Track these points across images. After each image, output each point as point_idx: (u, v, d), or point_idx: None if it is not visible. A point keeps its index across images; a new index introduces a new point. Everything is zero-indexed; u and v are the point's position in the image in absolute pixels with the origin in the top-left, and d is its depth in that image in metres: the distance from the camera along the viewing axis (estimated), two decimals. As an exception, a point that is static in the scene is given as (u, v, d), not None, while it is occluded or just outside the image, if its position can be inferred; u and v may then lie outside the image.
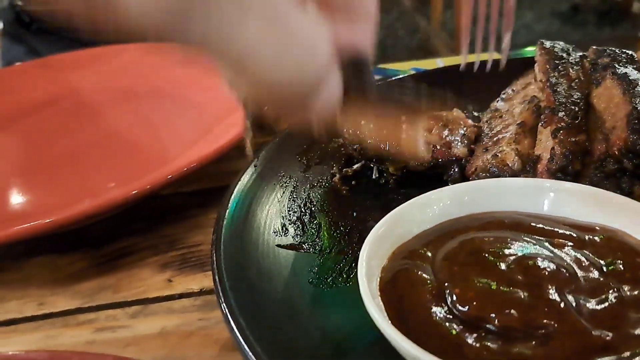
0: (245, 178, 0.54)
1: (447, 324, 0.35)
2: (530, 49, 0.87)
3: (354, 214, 0.52)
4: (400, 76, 0.77)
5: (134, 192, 0.53)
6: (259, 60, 0.29)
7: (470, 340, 0.34)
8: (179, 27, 0.26)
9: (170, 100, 0.82)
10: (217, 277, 0.41)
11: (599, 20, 4.48)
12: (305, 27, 0.30)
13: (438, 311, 0.36)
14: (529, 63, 0.62)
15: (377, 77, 0.81)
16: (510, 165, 0.50)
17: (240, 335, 0.36)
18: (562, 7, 4.83)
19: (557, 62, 0.53)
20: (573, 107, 0.49)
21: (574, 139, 0.48)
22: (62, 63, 0.94)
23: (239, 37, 0.28)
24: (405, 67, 0.82)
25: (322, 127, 0.37)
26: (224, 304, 0.38)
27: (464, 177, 0.53)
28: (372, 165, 0.58)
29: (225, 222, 0.47)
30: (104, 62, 0.93)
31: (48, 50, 1.26)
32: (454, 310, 0.36)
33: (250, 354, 0.34)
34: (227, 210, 0.49)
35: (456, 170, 0.54)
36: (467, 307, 0.36)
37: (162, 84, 0.85)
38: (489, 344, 0.34)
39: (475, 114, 0.65)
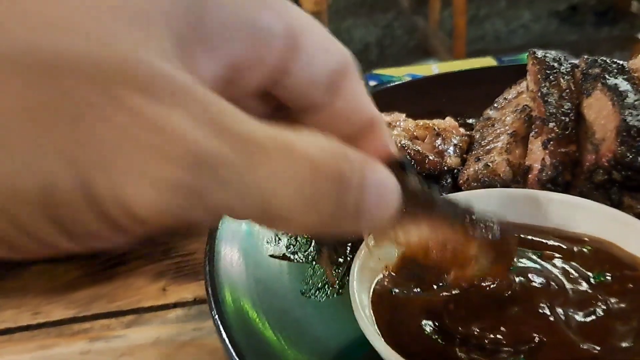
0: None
1: (437, 337, 0.36)
2: (524, 56, 0.87)
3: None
4: (395, 83, 0.77)
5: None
6: None
7: (460, 354, 0.35)
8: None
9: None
10: (209, 289, 0.41)
11: (597, 20, 4.49)
12: None
13: (429, 324, 0.37)
14: (522, 71, 0.63)
15: (372, 83, 0.81)
16: (501, 175, 0.50)
17: (232, 346, 0.36)
18: (560, 6, 4.83)
19: (548, 72, 0.54)
20: (563, 118, 0.50)
21: (564, 150, 0.48)
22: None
23: None
24: (400, 73, 0.82)
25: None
26: (216, 315, 0.39)
27: (456, 187, 0.54)
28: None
29: (218, 232, 0.47)
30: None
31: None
32: (444, 327, 0.36)
33: (242, 366, 0.35)
34: (220, 220, 0.49)
35: (449, 180, 0.54)
36: (457, 325, 0.36)
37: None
38: (478, 357, 0.34)
39: (469, 121, 0.65)
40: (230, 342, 0.36)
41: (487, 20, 4.82)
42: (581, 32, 4.32)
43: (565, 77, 0.53)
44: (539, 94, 0.52)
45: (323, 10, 3.26)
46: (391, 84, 0.76)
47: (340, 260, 0.48)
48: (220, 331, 0.37)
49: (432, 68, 0.84)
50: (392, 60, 4.32)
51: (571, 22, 4.53)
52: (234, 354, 0.35)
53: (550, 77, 0.53)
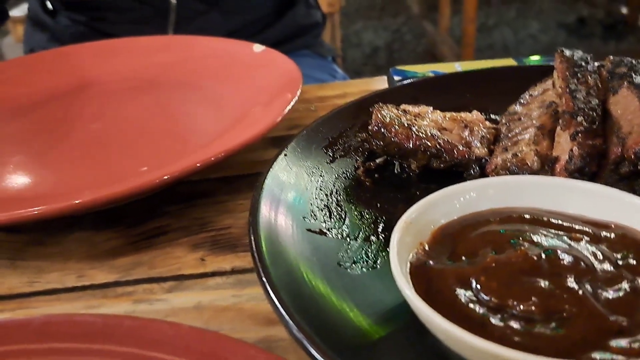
0: (276, 166, 0.56)
1: (472, 305, 0.38)
2: (534, 57, 0.90)
3: (378, 204, 0.55)
4: (421, 78, 0.80)
5: (165, 177, 0.56)
6: None
7: (494, 321, 0.37)
8: None
9: (197, 92, 0.85)
10: (256, 255, 0.44)
11: (604, 33, 4.52)
12: None
13: (463, 294, 0.39)
14: (543, 70, 0.66)
15: (396, 78, 0.84)
16: (529, 164, 0.53)
17: (282, 307, 0.38)
18: (569, 19, 4.87)
19: (576, 69, 0.56)
20: (591, 113, 0.52)
21: (591, 142, 0.51)
22: (88, 52, 0.96)
23: None
24: (424, 69, 0.85)
25: None
26: (265, 279, 0.41)
27: (483, 176, 0.56)
28: (394, 161, 0.61)
29: (260, 205, 0.50)
30: (128, 53, 0.96)
31: (70, 39, 1.29)
32: (479, 297, 0.39)
33: (292, 324, 0.37)
34: (261, 195, 0.51)
35: (476, 169, 0.57)
36: (490, 295, 0.39)
37: (188, 76, 0.88)
38: (512, 324, 0.37)
39: (493, 116, 0.68)
40: (281, 304, 0.39)
41: (495, 29, 4.85)
42: (589, 45, 4.35)
43: (592, 75, 0.56)
44: (568, 90, 0.55)
45: (336, 12, 3.28)
46: (417, 79, 0.78)
47: (373, 238, 0.50)
48: (270, 294, 0.40)
49: (455, 66, 0.86)
50: (400, 65, 4.34)
51: (579, 34, 4.56)
52: (285, 315, 0.38)
53: (578, 74, 0.56)
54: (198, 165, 0.57)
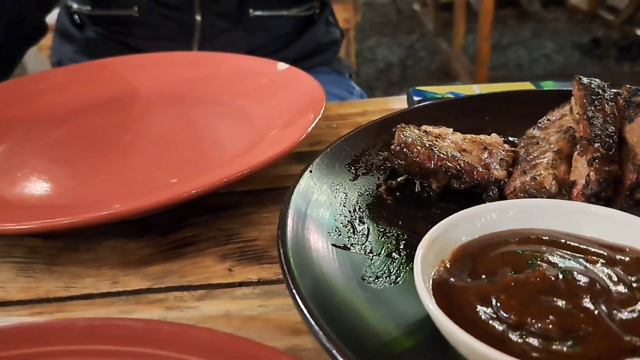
0: (302, 183, 0.59)
1: (492, 322, 0.40)
2: (549, 83, 0.92)
3: (399, 222, 0.57)
4: (441, 99, 0.82)
5: (194, 190, 0.58)
6: None
7: (513, 337, 0.39)
8: None
9: (223, 107, 0.88)
10: (285, 267, 0.46)
11: (619, 54, 4.53)
12: None
13: (484, 311, 0.41)
14: (561, 95, 0.68)
15: (416, 98, 0.86)
16: (547, 188, 0.55)
17: (311, 317, 0.40)
18: (583, 39, 4.88)
19: (593, 97, 0.58)
20: (607, 140, 0.54)
21: (607, 168, 0.53)
22: (120, 65, 1.00)
23: None
24: (443, 91, 0.87)
25: None
26: (295, 290, 0.43)
27: (501, 197, 0.58)
28: (415, 180, 0.63)
29: (287, 220, 0.52)
30: (158, 68, 0.99)
31: (97, 52, 1.33)
32: (499, 314, 0.41)
33: (322, 333, 0.39)
34: (288, 210, 0.54)
35: (495, 191, 0.59)
36: (510, 312, 0.41)
37: (214, 92, 0.91)
38: (530, 341, 0.39)
39: (511, 139, 0.70)
40: (310, 314, 0.41)
41: (510, 48, 4.87)
42: (603, 66, 4.36)
43: (609, 103, 0.58)
44: (585, 117, 0.57)
45: (351, 28, 3.32)
46: (438, 100, 0.81)
47: (396, 255, 0.52)
48: (299, 304, 0.42)
49: (473, 88, 0.89)
50: (413, 81, 4.38)
51: (593, 55, 4.58)
52: (314, 324, 0.40)
53: (596, 102, 0.58)
54: (225, 180, 0.59)
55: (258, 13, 1.31)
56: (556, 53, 4.59)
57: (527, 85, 0.90)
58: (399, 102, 0.95)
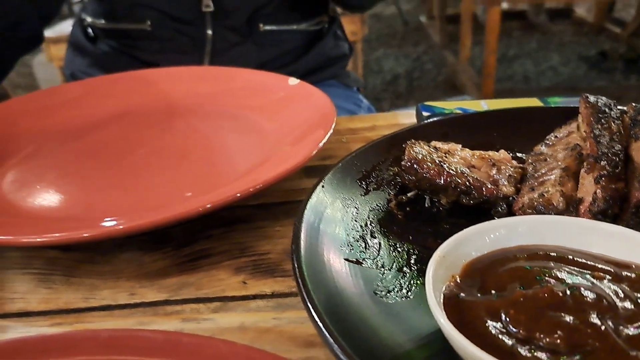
0: (315, 197, 0.60)
1: (502, 336, 0.41)
2: (556, 99, 0.93)
3: (410, 237, 0.59)
4: (450, 115, 0.84)
5: (208, 205, 0.60)
6: None
7: (522, 352, 0.40)
8: None
9: (235, 122, 0.89)
10: (299, 280, 0.47)
11: (625, 67, 4.54)
12: None
13: (493, 325, 0.42)
14: (569, 112, 0.69)
15: (425, 113, 0.88)
16: (555, 204, 0.56)
17: (326, 330, 0.42)
18: (590, 52, 4.90)
19: (600, 115, 0.60)
20: (614, 157, 0.56)
21: (614, 186, 0.54)
22: (132, 80, 1.02)
23: None
24: (451, 107, 0.89)
25: None
26: (309, 303, 0.44)
27: (510, 213, 0.60)
28: (425, 196, 0.64)
29: (301, 234, 0.54)
30: (170, 82, 1.01)
31: (109, 65, 1.36)
32: (508, 328, 0.42)
33: (336, 346, 0.40)
34: (301, 224, 0.55)
35: (504, 207, 0.60)
36: (519, 327, 0.42)
37: (226, 107, 0.93)
38: (539, 355, 0.40)
39: (519, 154, 0.71)
40: (324, 326, 0.42)
41: (516, 60, 4.89)
42: (610, 79, 4.37)
43: (616, 121, 0.59)
44: (592, 135, 0.58)
45: (358, 40, 3.35)
46: (447, 116, 0.82)
47: (407, 269, 0.54)
48: (314, 317, 0.43)
49: (481, 104, 0.90)
50: (420, 93, 4.40)
51: (600, 68, 4.59)
52: (328, 337, 0.41)
53: (602, 120, 0.59)
54: (238, 195, 0.61)
55: (268, 28, 1.33)
56: (563, 65, 4.61)
57: (534, 101, 0.91)
58: (407, 117, 0.96)
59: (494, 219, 0.53)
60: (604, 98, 0.63)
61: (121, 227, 0.58)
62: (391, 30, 5.97)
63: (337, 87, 1.50)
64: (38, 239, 0.57)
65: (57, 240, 0.57)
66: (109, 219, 0.62)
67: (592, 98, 0.63)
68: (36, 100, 0.95)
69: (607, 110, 0.61)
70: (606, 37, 5.12)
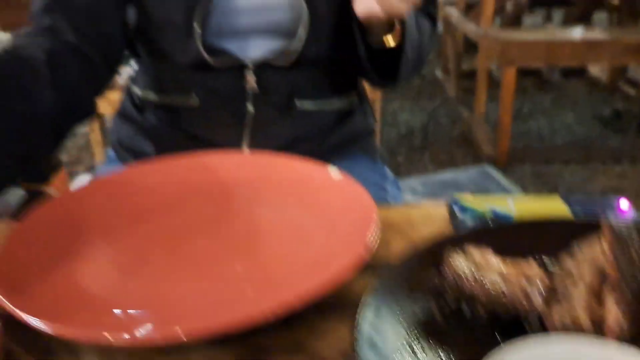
0: (367, 310, 0.68)
1: None
2: (577, 197, 1.01)
3: (453, 343, 0.66)
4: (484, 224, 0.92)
5: (269, 313, 0.65)
6: None
7: None
8: None
9: (277, 213, 0.96)
10: None
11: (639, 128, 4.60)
12: None
13: None
14: (595, 226, 0.77)
15: (458, 215, 0.96)
16: (582, 324, 0.63)
17: None
18: (605, 111, 4.99)
19: (621, 244, 0.67)
20: (634, 284, 0.63)
21: (635, 309, 0.62)
22: (186, 164, 1.10)
23: None
24: (483, 208, 0.97)
25: None
26: None
27: (542, 326, 0.67)
28: (464, 306, 0.72)
29: (359, 347, 0.61)
30: (210, 169, 1.08)
31: (154, 135, 1.46)
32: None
33: None
34: (359, 338, 0.63)
35: (535, 319, 0.68)
36: None
37: (266, 195, 1.00)
38: None
39: (546, 262, 0.79)
40: None
41: (530, 117, 5.00)
42: (624, 139, 4.44)
43: (638, 250, 0.67)
44: (614, 261, 0.66)
45: (377, 99, 3.47)
46: (481, 226, 0.90)
47: None
48: None
49: (508, 202, 0.98)
50: (435, 146, 4.50)
51: (614, 127, 4.67)
52: None
53: (624, 248, 0.67)
54: (301, 300, 0.67)
55: (304, 105, 1.41)
56: (577, 124, 4.70)
57: (556, 200, 0.99)
58: (439, 209, 1.04)
59: (528, 333, 0.60)
60: (626, 224, 0.71)
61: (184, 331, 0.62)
62: (407, 83, 6.12)
63: (363, 160, 1.58)
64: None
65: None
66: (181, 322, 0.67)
67: (614, 224, 0.70)
68: (101, 188, 1.01)
69: (627, 237, 0.69)
70: (620, 97, 5.23)
